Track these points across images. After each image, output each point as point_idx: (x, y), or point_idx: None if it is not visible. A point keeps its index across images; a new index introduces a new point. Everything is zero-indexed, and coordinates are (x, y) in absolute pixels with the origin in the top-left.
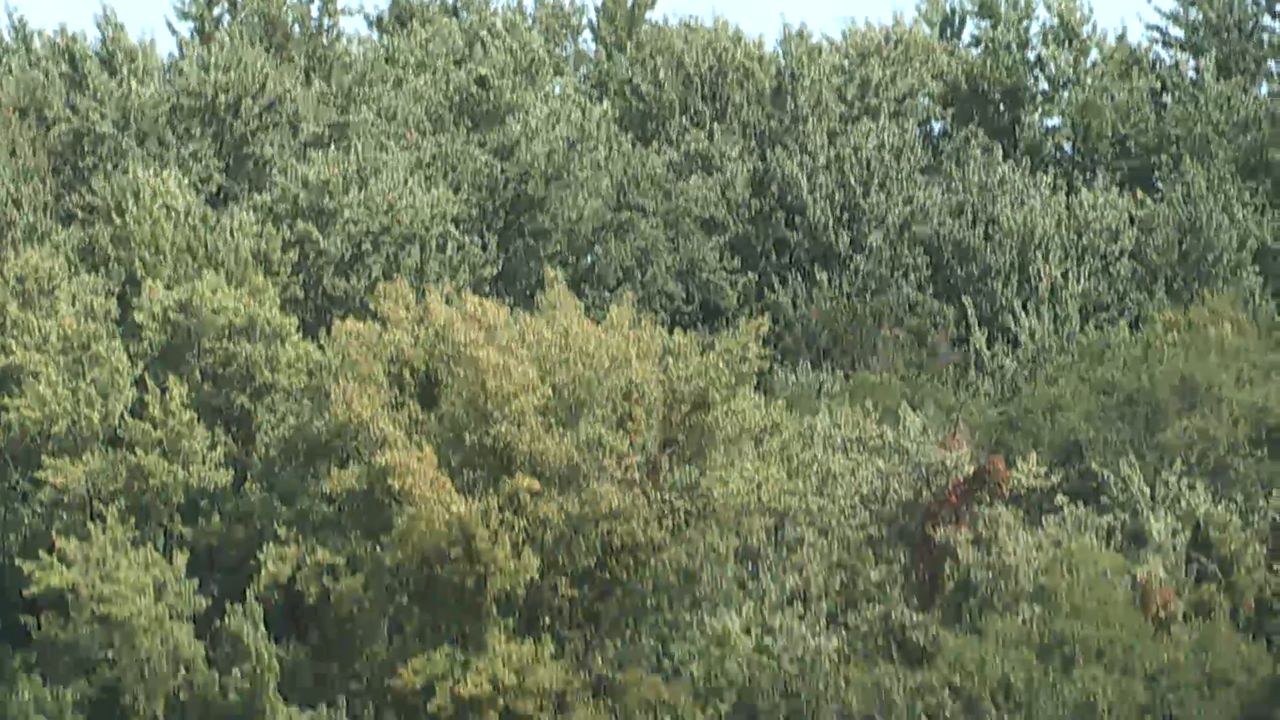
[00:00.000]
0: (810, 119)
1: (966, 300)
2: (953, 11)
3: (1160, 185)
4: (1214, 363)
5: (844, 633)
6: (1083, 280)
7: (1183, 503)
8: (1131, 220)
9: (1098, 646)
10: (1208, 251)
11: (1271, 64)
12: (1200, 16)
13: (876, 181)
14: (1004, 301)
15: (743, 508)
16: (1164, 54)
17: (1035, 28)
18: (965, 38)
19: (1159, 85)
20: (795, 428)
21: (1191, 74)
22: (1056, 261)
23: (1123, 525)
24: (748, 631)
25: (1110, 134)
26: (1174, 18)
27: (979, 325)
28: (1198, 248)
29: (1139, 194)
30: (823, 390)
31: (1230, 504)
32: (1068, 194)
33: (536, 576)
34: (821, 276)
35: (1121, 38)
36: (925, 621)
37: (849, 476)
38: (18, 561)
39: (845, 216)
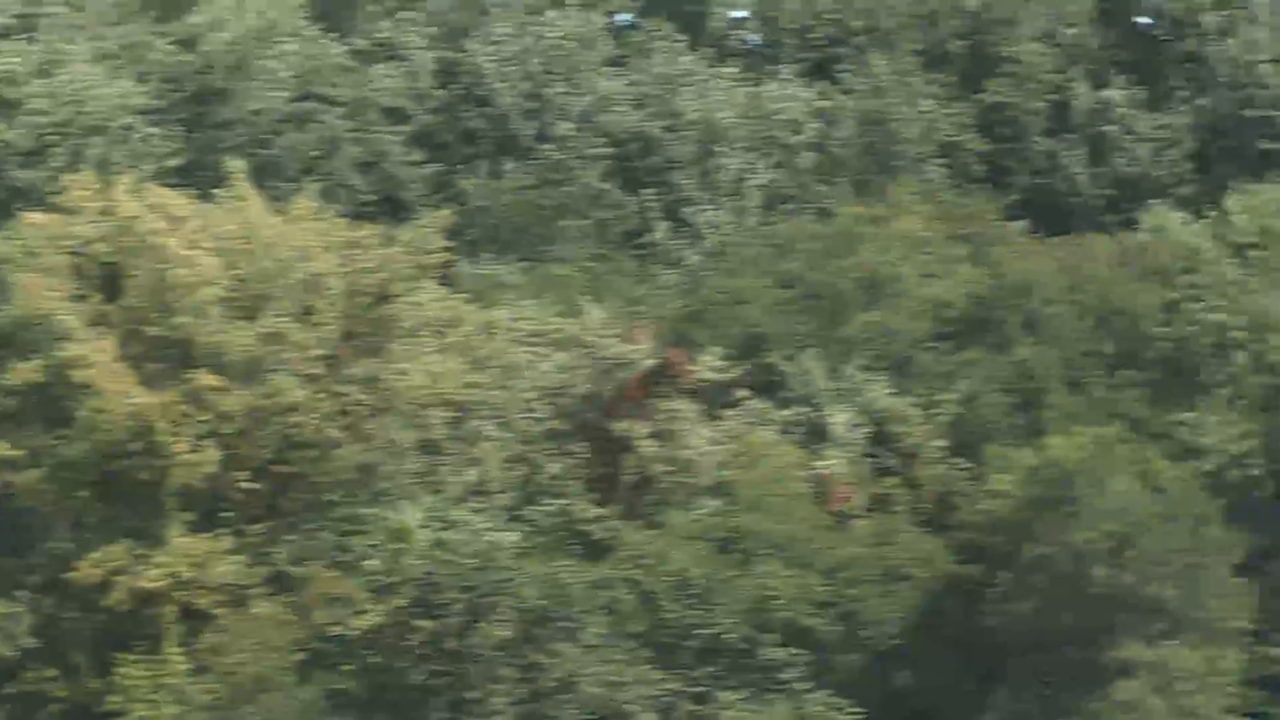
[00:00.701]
0: (497, 9)
1: (648, 192)
2: None
3: (845, 77)
4: (897, 256)
5: (523, 526)
6: (766, 172)
7: (864, 396)
8: (816, 113)
9: (777, 541)
10: (891, 144)
11: None
12: None
13: (562, 73)
14: (686, 194)
15: (423, 401)
16: None
17: None
18: None
19: None
20: (477, 320)
21: None
22: (739, 153)
23: (804, 419)
24: (426, 525)
25: (795, 25)
26: None
27: (661, 217)
28: (882, 140)
29: (823, 86)
30: (505, 283)
31: (911, 398)
32: (753, 85)
33: (217, 470)
34: (513, 167)
35: None
36: (604, 515)
37: (530, 370)
38: None
39: (531, 107)
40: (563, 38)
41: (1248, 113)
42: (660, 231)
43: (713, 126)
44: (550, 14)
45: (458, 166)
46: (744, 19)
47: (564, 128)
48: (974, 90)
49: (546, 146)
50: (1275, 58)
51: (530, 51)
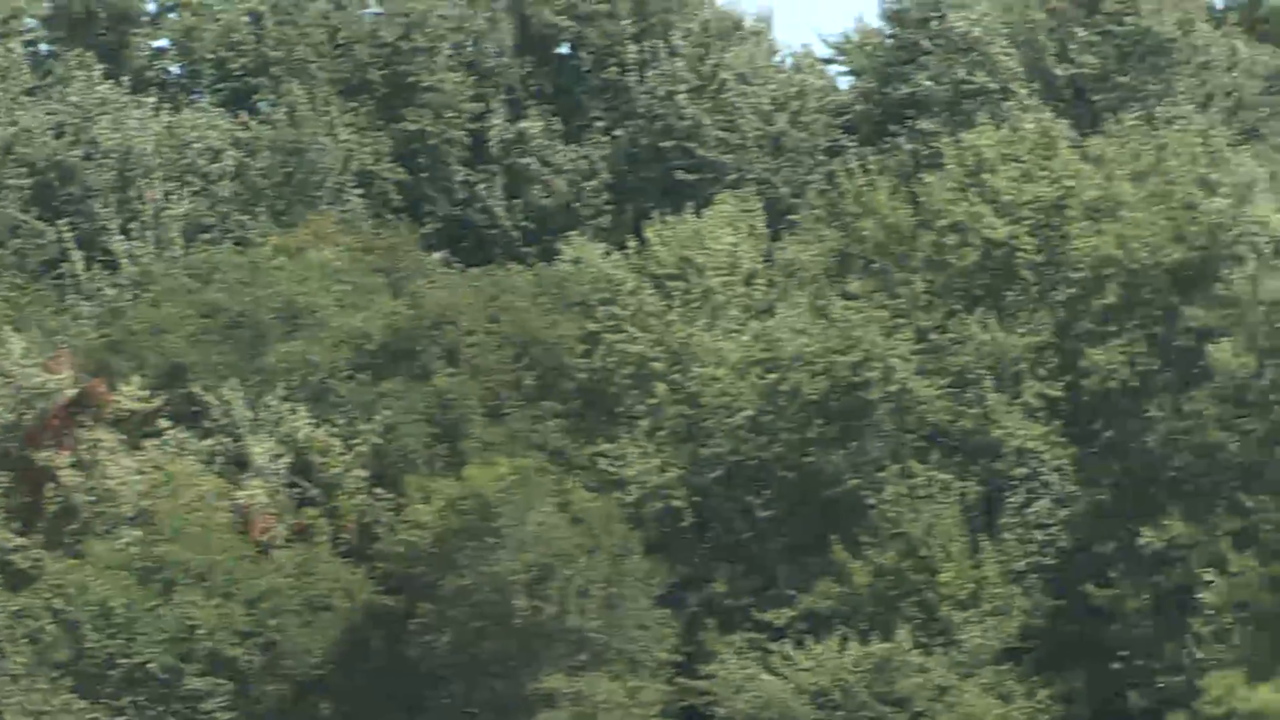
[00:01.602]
0: None
1: (64, 222)
2: None
3: (262, 107)
4: (316, 285)
5: None
6: (185, 202)
7: (285, 426)
8: (236, 142)
9: (198, 571)
10: (310, 173)
11: None
12: None
13: None
14: (104, 223)
15: None
16: None
17: None
18: None
19: (262, 8)
20: None
21: None
22: (159, 183)
23: (225, 448)
24: None
25: (213, 55)
26: None
27: (77, 247)
28: (301, 169)
29: (243, 115)
30: None
31: (332, 428)
32: (172, 115)
33: None
34: None
35: None
36: (26, 545)
37: None
38: None
39: None
40: None
41: (665, 144)
42: (77, 261)
43: (130, 155)
44: None
45: None
46: (164, 49)
47: None
48: (393, 120)
49: None
50: (693, 89)
51: None
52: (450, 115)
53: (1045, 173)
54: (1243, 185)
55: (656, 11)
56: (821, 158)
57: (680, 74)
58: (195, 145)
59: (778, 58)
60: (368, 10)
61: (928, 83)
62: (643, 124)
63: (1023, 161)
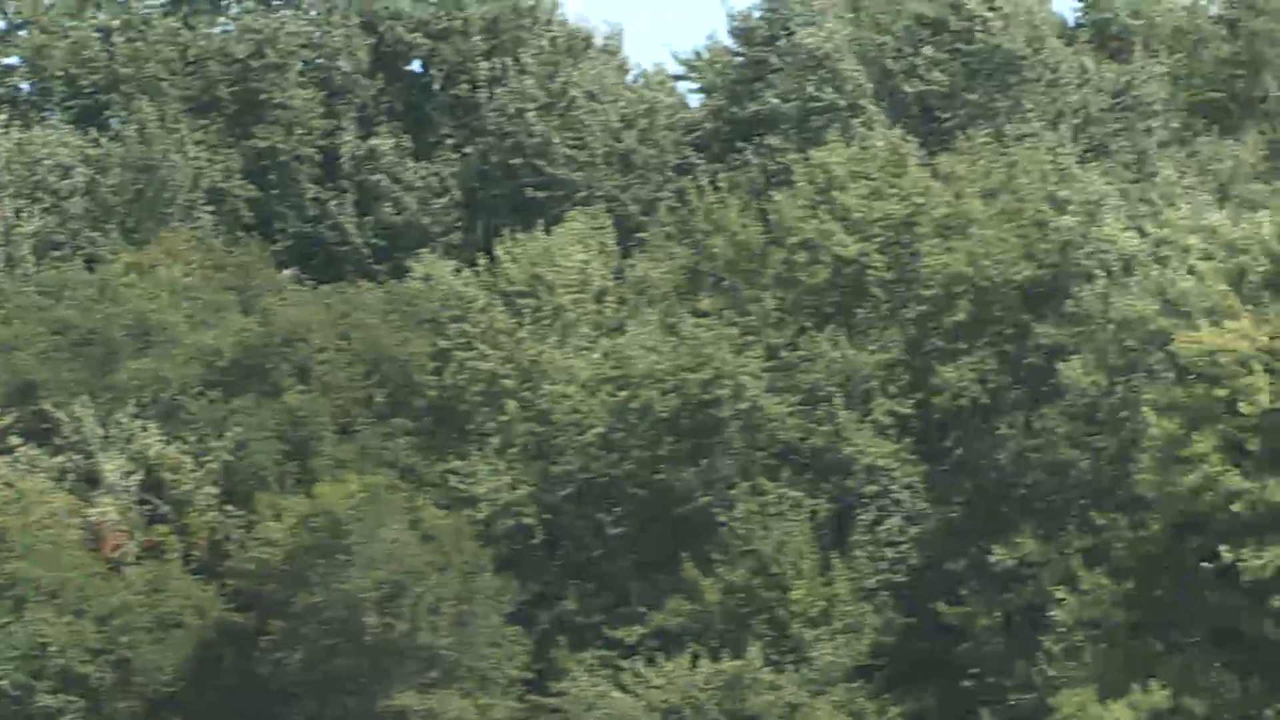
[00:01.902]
0: None
1: None
2: None
3: (113, 124)
4: (167, 303)
5: None
6: (35, 219)
7: (135, 443)
8: (86, 159)
9: (49, 588)
10: (162, 190)
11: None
12: None
13: None
14: None
15: None
16: None
17: None
18: None
19: (115, 23)
20: None
21: (144, 11)
22: (8, 200)
23: (76, 466)
24: None
25: (64, 72)
26: None
27: None
28: (152, 186)
29: (93, 133)
30: None
31: (183, 445)
32: (23, 132)
33: None
34: None
35: None
36: None
37: None
38: None
39: None
40: None
41: (515, 161)
42: None
43: None
44: None
45: None
46: (14, 66)
47: None
48: (244, 136)
49: None
50: (542, 106)
51: None
52: (301, 132)
53: (895, 190)
54: (1091, 203)
55: (508, 29)
56: (671, 175)
57: (529, 91)
58: (45, 162)
59: (629, 75)
60: (219, 27)
61: (775, 100)
62: (492, 141)
63: (873, 179)
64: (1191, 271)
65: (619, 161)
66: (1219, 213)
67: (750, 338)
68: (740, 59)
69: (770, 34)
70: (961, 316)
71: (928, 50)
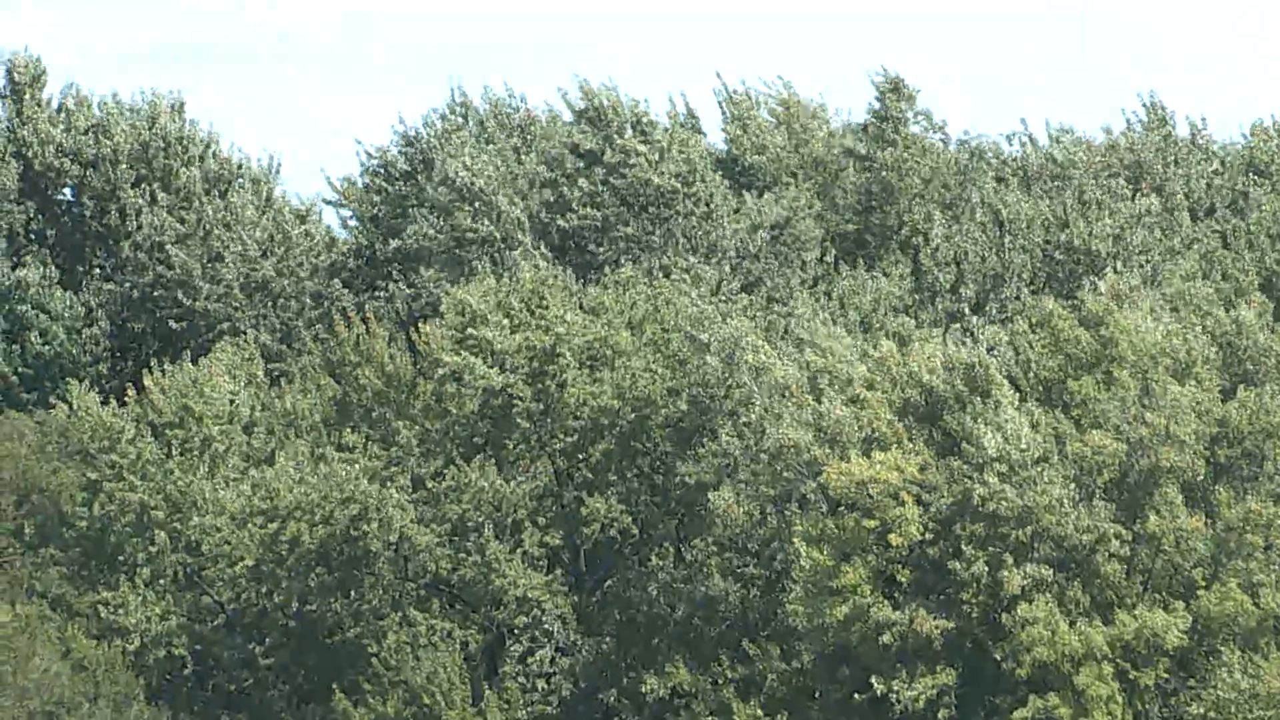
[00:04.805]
0: None
1: None
2: None
3: None
4: None
5: None
6: None
7: None
8: None
9: None
10: None
11: None
12: None
13: None
14: None
15: None
16: None
17: None
18: None
19: None
20: None
21: None
22: None
23: None
24: None
25: None
26: None
27: None
28: None
29: None
30: None
31: None
32: None
33: None
34: None
35: None
36: None
37: None
38: None
39: None
40: None
41: (158, 293)
42: None
43: None
44: None
45: None
46: None
47: None
48: None
49: None
50: (180, 237)
51: None
52: None
53: (538, 321)
54: (733, 340)
55: (156, 157)
56: (309, 302)
57: (169, 223)
58: None
59: (280, 204)
60: None
61: (429, 231)
62: (139, 272)
63: (515, 310)
64: (854, 401)
65: (258, 290)
66: (862, 346)
67: (395, 469)
68: (379, 197)
69: (409, 170)
70: (610, 447)
71: (582, 183)
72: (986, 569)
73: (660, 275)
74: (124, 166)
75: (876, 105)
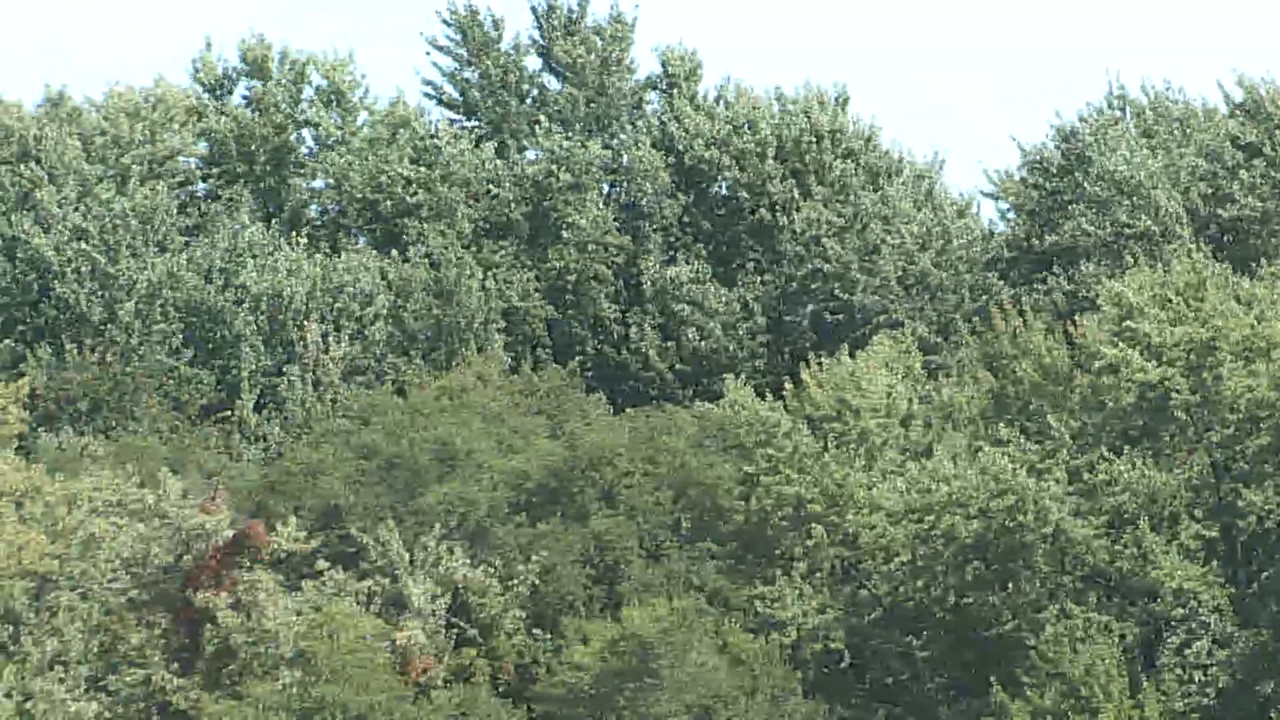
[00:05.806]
0: (46, 185)
1: (220, 364)
2: (225, 72)
3: (411, 248)
4: (475, 428)
5: (105, 697)
6: (343, 344)
7: (442, 567)
8: (388, 284)
9: (357, 711)
10: (460, 314)
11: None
12: (476, 76)
13: (126, 247)
14: (264, 366)
15: (4, 572)
16: (437, 114)
17: (308, 91)
18: (237, 98)
19: (417, 147)
20: (57, 490)
21: (450, 136)
22: (315, 325)
23: (383, 589)
24: (9, 696)
25: (364, 196)
26: (451, 75)
27: (246, 390)
28: (450, 310)
29: (394, 256)
30: (85, 453)
31: (489, 568)
32: (329, 256)
33: None
34: (71, 347)
35: (397, 101)
36: (186, 685)
37: (111, 540)
38: None
39: (95, 286)
40: (126, 211)
41: (815, 286)
42: (241, 405)
43: (282, 297)
44: (107, 184)
45: (30, 342)
46: (320, 189)
47: (128, 306)
48: (540, 260)
49: (111, 326)
50: (837, 230)
51: (89, 231)
52: (599, 255)
53: (1195, 314)
54: None
55: (809, 150)
56: (967, 295)
57: (825, 216)
58: (348, 289)
59: (940, 198)
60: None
61: (1087, 227)
62: (794, 266)
63: (1172, 303)
64: None
65: (916, 284)
66: None
67: (1050, 461)
68: (1038, 190)
69: (1066, 164)
70: (1267, 440)
71: (1242, 175)
72: None
73: None
74: (771, 160)
75: None
